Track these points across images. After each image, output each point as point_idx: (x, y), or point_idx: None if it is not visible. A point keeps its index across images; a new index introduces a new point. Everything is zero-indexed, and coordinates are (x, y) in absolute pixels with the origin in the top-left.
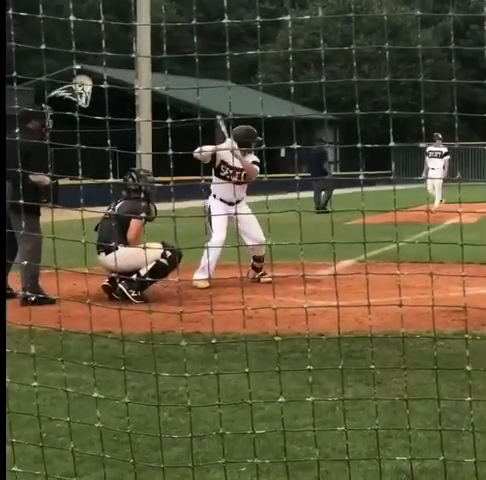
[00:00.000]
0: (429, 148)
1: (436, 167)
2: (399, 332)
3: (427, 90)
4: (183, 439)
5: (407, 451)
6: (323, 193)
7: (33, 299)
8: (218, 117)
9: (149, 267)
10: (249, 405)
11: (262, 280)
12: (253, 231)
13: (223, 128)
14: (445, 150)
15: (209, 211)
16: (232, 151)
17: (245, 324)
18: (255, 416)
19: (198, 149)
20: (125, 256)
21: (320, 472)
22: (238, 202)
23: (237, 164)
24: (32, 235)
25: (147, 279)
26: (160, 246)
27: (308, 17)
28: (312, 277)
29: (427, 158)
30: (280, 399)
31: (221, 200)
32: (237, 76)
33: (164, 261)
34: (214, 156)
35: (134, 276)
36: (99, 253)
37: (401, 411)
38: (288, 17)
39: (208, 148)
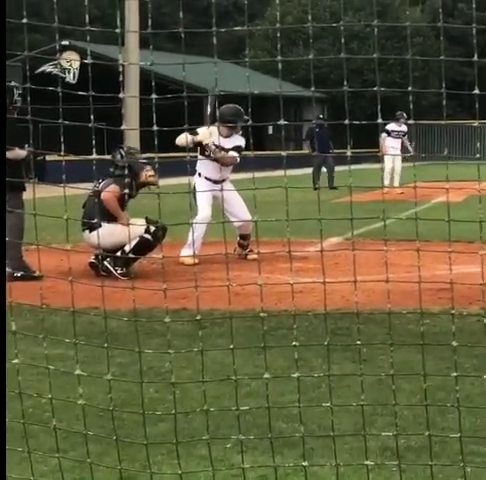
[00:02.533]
0: (391, 127)
1: (397, 147)
2: (386, 310)
3: (415, 69)
4: (169, 415)
5: (392, 428)
6: (324, 170)
7: (19, 275)
8: (209, 96)
9: (133, 243)
10: (235, 382)
11: (249, 257)
12: (238, 210)
13: (209, 107)
14: (406, 130)
15: (194, 189)
16: (209, 148)
17: (231, 301)
18: (241, 393)
19: (182, 135)
20: (108, 233)
21: (305, 449)
22: (223, 181)
23: (222, 144)
24: (14, 211)
25: (132, 256)
26: (143, 222)
27: None
28: (299, 254)
29: (388, 137)
30: (266, 375)
31: (206, 179)
32: (226, 53)
33: (148, 236)
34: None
35: (119, 253)
36: (83, 231)
37: (387, 389)
38: None
39: (188, 137)
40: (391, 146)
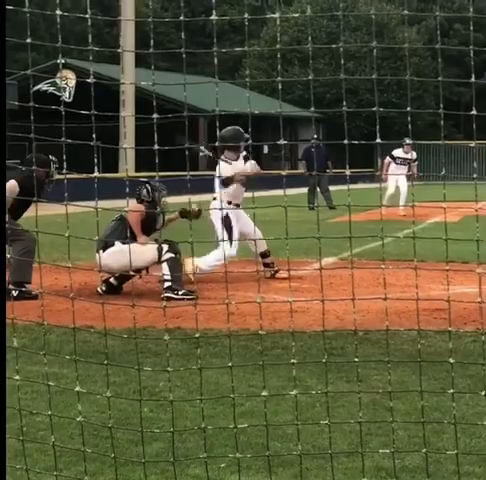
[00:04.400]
0: (397, 153)
1: (402, 172)
2: (381, 330)
3: (411, 89)
4: (163, 434)
5: (387, 449)
6: (318, 190)
7: (15, 295)
8: (201, 147)
9: (166, 270)
10: (230, 400)
11: (278, 276)
12: (252, 230)
13: (205, 152)
14: (414, 157)
15: (227, 218)
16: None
17: (228, 319)
18: (235, 412)
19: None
20: (120, 251)
21: (300, 469)
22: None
23: (239, 167)
24: (25, 234)
25: (167, 278)
26: (154, 244)
27: (297, 15)
28: (294, 274)
29: (392, 163)
30: (263, 393)
31: (235, 205)
32: (221, 72)
33: (171, 255)
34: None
35: (166, 284)
36: (97, 251)
37: (381, 409)
38: (277, 15)
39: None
40: (395, 173)
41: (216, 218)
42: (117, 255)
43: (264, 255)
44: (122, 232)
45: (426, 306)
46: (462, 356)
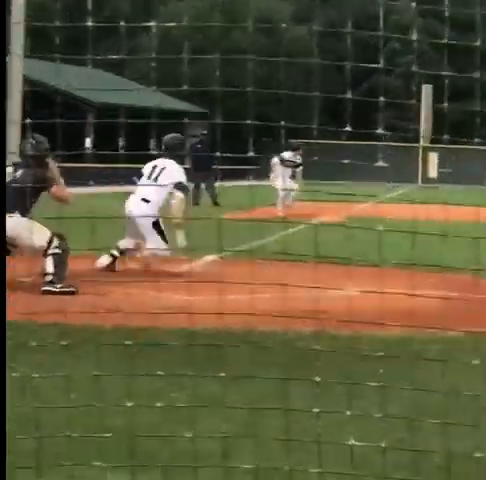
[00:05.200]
0: (287, 156)
1: (286, 175)
2: (257, 330)
3: (297, 86)
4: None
5: (257, 453)
6: (203, 186)
7: None
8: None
9: (51, 264)
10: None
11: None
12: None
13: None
14: (300, 161)
15: (157, 224)
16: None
17: (101, 318)
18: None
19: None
20: (15, 223)
21: (168, 471)
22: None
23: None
24: None
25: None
26: (48, 231)
27: (174, 24)
28: (172, 271)
29: (279, 165)
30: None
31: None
32: (108, 65)
33: (57, 251)
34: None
35: (46, 278)
36: None
37: (254, 412)
38: (153, 23)
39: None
40: (281, 174)
41: (145, 222)
42: (9, 224)
43: (123, 252)
44: (22, 201)
45: (303, 306)
46: (338, 358)
